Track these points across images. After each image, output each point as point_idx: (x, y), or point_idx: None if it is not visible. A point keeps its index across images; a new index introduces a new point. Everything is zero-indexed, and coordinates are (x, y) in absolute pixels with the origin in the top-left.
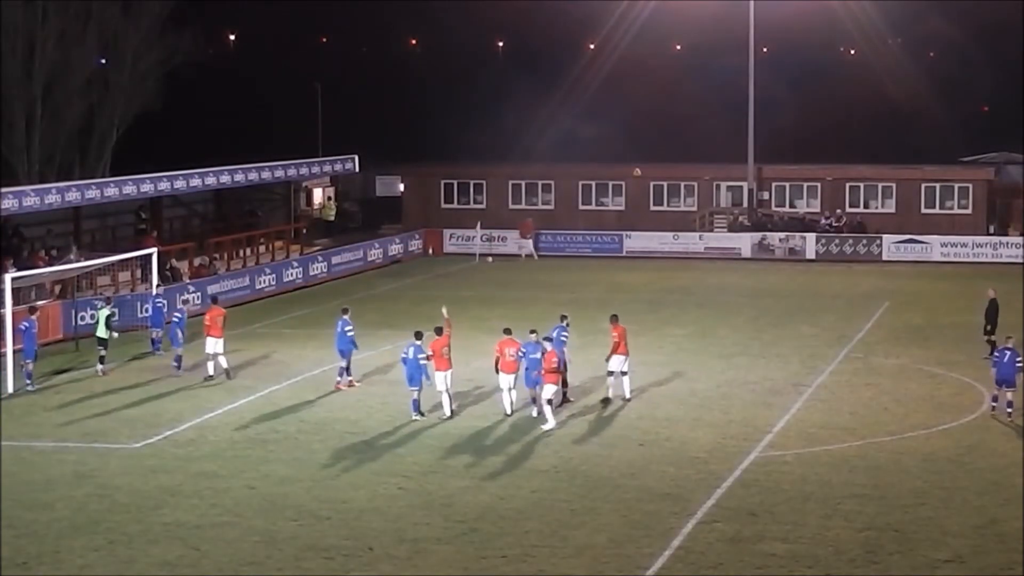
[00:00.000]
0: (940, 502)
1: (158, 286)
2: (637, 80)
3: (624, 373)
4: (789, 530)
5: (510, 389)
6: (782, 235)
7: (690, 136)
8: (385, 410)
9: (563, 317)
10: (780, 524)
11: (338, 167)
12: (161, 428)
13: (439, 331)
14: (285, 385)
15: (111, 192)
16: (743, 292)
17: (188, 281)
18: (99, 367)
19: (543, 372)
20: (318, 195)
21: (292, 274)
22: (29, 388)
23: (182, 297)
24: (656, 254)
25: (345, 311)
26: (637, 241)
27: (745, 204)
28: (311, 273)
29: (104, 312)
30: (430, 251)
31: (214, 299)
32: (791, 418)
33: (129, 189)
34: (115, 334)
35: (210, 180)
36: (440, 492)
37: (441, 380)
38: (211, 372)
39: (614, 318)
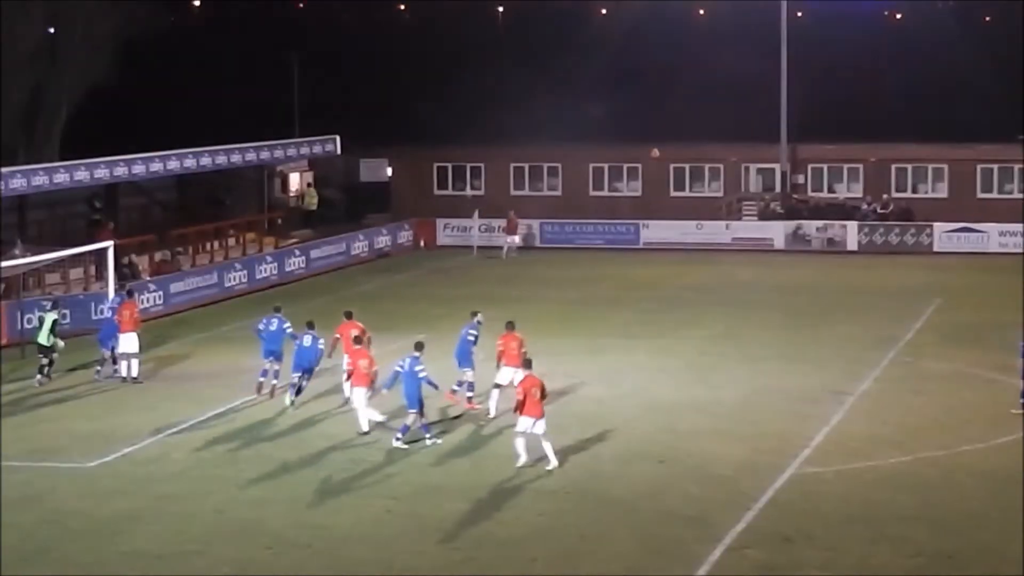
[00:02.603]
0: (999, 526)
1: (118, 289)
2: (655, 49)
3: (498, 386)
4: (829, 557)
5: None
6: (819, 224)
7: (715, 112)
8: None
9: (474, 314)
10: (818, 550)
11: (317, 149)
12: (118, 444)
13: (358, 340)
14: (259, 395)
15: (61, 178)
16: (775, 288)
17: (148, 278)
18: (38, 377)
19: (521, 403)
20: (295, 181)
21: (266, 270)
22: None
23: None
24: (677, 245)
25: (277, 310)
26: (655, 231)
27: (777, 189)
28: (287, 269)
29: (51, 316)
30: (422, 243)
31: (129, 293)
32: (830, 430)
33: (81, 175)
34: (60, 342)
35: (172, 164)
36: (433, 516)
37: (359, 396)
38: (126, 372)
39: (510, 325)
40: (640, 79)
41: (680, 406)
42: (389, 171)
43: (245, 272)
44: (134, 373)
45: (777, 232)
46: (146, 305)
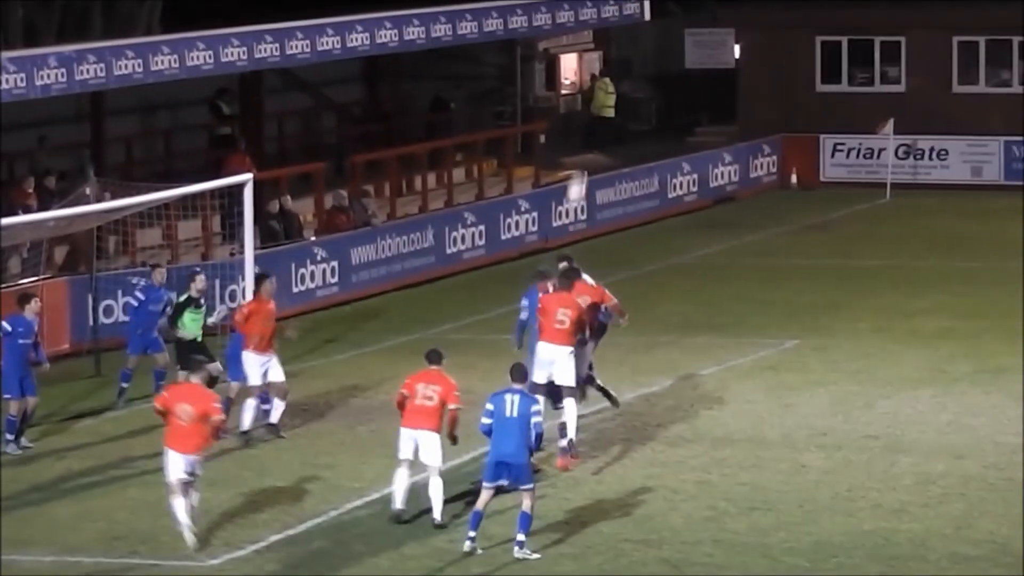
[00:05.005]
0: None
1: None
2: None
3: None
4: None
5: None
6: None
7: None
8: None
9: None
10: None
11: (610, 13)
12: (259, 529)
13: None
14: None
15: (164, 63)
16: None
17: (313, 239)
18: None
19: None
20: (570, 67)
21: (518, 224)
22: (10, 449)
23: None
24: None
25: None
26: None
27: None
28: (556, 222)
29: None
30: (794, 179)
31: (260, 278)
32: None
33: (198, 57)
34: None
35: (357, 39)
36: None
37: (408, 443)
38: (247, 424)
39: (565, 277)
40: None
41: None
42: (737, 50)
43: (482, 228)
44: (272, 419)
45: None
46: (309, 285)
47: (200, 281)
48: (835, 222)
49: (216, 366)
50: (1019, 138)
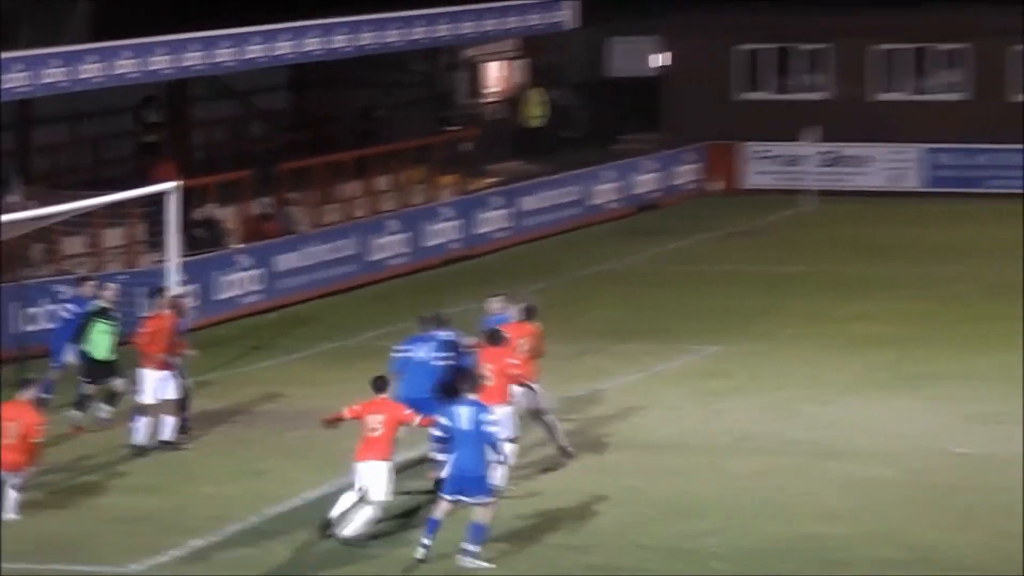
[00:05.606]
0: None
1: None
2: None
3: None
4: None
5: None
6: None
7: None
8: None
9: (438, 320)
10: None
11: (536, 20)
12: (184, 535)
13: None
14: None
15: (91, 71)
16: None
17: (238, 246)
18: (104, 409)
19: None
20: (496, 76)
21: (442, 232)
22: None
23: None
24: None
25: (438, 321)
26: None
27: None
28: (478, 230)
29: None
30: (717, 185)
31: (161, 290)
32: None
33: (125, 66)
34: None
35: (283, 47)
36: None
37: (369, 473)
38: (141, 438)
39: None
40: None
41: None
42: (661, 59)
43: (408, 236)
44: (165, 436)
45: None
46: (234, 293)
47: (109, 290)
48: (760, 229)
49: (121, 382)
50: (940, 146)
